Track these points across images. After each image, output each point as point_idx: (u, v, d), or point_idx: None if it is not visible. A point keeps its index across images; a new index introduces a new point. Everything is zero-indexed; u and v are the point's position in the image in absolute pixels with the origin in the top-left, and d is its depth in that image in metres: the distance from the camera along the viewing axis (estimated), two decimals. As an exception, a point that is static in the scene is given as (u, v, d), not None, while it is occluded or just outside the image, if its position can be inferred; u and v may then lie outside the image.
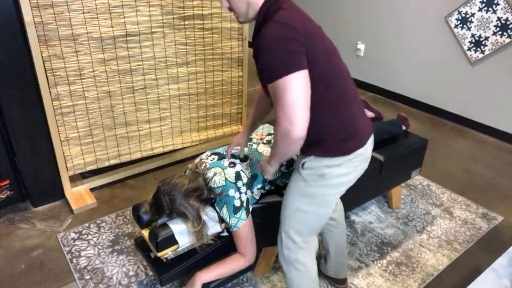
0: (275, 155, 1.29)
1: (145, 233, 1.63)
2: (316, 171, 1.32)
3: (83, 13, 2.10)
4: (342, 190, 1.40)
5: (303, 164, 1.34)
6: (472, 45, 3.36)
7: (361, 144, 1.33)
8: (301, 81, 1.10)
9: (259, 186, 1.72)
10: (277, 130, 1.16)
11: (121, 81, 2.36)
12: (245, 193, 1.65)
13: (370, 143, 1.39)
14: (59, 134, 2.26)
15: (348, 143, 1.30)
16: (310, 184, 1.35)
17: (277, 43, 1.10)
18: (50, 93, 2.14)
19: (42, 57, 2.05)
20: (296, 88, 1.09)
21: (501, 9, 3.12)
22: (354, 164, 1.34)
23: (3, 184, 2.24)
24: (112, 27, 2.21)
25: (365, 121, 1.38)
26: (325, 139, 1.28)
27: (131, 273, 1.93)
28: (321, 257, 1.91)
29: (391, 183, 2.28)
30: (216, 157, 1.72)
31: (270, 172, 1.40)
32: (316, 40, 1.19)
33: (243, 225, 1.63)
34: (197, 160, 1.78)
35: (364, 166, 1.41)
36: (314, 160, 1.31)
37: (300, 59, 1.11)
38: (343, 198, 1.95)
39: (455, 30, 3.43)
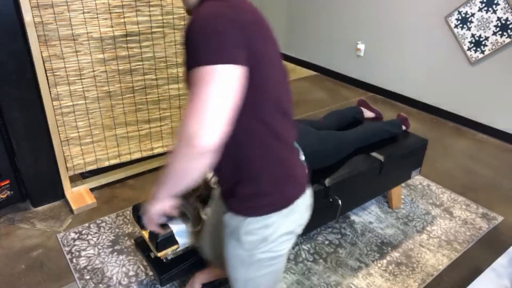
0: (165, 179, 0.88)
1: (145, 233, 1.63)
2: (256, 236, 1.02)
3: (83, 13, 2.10)
4: (293, 240, 1.12)
5: (239, 229, 1.03)
6: (472, 45, 3.36)
7: (302, 189, 1.06)
8: (233, 79, 0.81)
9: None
10: (178, 135, 0.81)
11: (121, 81, 2.36)
12: (245, 193, 1.65)
13: (309, 191, 1.13)
14: (59, 134, 2.26)
15: (287, 188, 1.02)
16: (253, 253, 1.05)
17: (214, 22, 0.82)
18: (50, 93, 2.14)
19: (42, 57, 2.05)
20: (223, 84, 0.79)
21: (501, 9, 3.12)
22: (295, 218, 1.06)
23: (3, 184, 2.24)
24: (112, 27, 2.21)
25: (303, 165, 1.10)
26: (258, 181, 0.98)
27: (131, 273, 1.93)
28: None
29: (391, 183, 2.28)
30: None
31: (153, 211, 0.98)
32: (266, 41, 0.91)
33: (243, 225, 1.62)
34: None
35: (307, 214, 1.13)
36: (252, 222, 1.01)
37: (238, 52, 0.82)
38: (343, 197, 1.95)
39: (455, 30, 3.43)
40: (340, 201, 1.91)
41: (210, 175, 1.66)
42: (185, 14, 1.31)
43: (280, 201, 1.01)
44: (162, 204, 0.97)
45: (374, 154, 2.13)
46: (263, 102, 0.92)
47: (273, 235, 1.03)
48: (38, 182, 2.33)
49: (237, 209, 1.02)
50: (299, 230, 1.11)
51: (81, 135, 2.35)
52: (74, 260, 2.00)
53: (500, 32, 3.17)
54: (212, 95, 0.78)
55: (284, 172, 1.01)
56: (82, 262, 1.99)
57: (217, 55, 0.79)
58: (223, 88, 0.79)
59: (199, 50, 0.80)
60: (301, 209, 1.07)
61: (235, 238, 1.05)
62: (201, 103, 0.78)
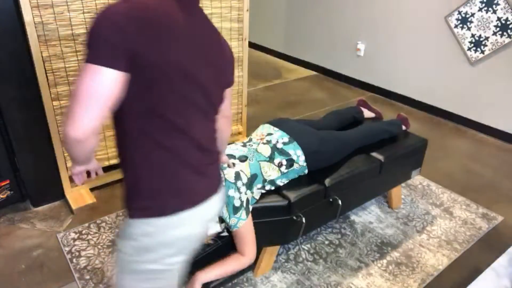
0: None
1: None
2: (137, 242, 1.02)
3: (83, 13, 2.10)
4: (182, 258, 1.09)
5: (124, 232, 1.04)
6: (472, 45, 3.36)
7: (188, 204, 1.03)
8: (106, 80, 0.85)
9: (259, 186, 1.72)
10: None
11: (121, 81, 2.36)
12: (245, 193, 1.65)
13: (209, 205, 1.08)
14: (59, 134, 2.26)
15: (167, 199, 1.01)
16: (136, 260, 1.04)
17: (106, 24, 0.85)
18: (50, 93, 2.14)
19: (42, 57, 2.05)
20: (95, 83, 0.84)
21: (501, 9, 3.12)
22: (178, 232, 1.03)
23: (3, 184, 2.24)
24: (112, 27, 2.21)
25: (200, 182, 1.06)
26: (139, 184, 1.01)
27: (131, 273, 1.93)
28: None
29: (391, 183, 2.28)
30: (216, 157, 1.72)
31: (73, 172, 1.17)
32: (166, 51, 0.91)
33: (243, 225, 1.63)
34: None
35: (200, 230, 1.08)
36: (134, 226, 1.01)
37: (117, 57, 0.86)
38: (343, 197, 1.95)
39: (455, 30, 3.43)
40: (340, 201, 1.91)
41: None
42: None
43: (157, 208, 1.00)
44: (79, 168, 1.17)
45: (374, 154, 2.13)
46: (146, 113, 0.94)
47: (154, 246, 1.02)
48: (38, 182, 2.33)
49: (124, 208, 1.04)
50: (187, 246, 1.07)
51: (81, 135, 2.36)
52: (74, 260, 2.00)
53: (500, 32, 3.17)
54: (82, 92, 0.84)
55: (167, 183, 1.01)
56: (82, 262, 1.99)
57: (96, 56, 0.84)
58: (93, 87, 0.84)
59: (86, 47, 0.86)
60: (183, 224, 1.03)
61: (121, 241, 1.06)
62: (73, 96, 0.85)
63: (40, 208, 2.38)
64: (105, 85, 0.85)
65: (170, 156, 0.99)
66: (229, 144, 1.90)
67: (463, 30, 3.38)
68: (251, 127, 3.17)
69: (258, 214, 1.71)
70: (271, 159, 1.77)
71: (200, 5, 1.11)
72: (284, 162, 1.78)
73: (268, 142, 1.84)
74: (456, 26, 3.42)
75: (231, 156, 1.74)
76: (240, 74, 2.87)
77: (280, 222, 1.77)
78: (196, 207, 1.04)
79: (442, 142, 3.30)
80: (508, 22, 3.11)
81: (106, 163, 2.52)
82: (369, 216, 2.38)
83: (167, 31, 0.91)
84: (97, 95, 0.85)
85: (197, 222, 1.07)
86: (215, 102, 1.10)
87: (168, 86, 0.93)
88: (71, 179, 2.36)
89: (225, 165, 1.67)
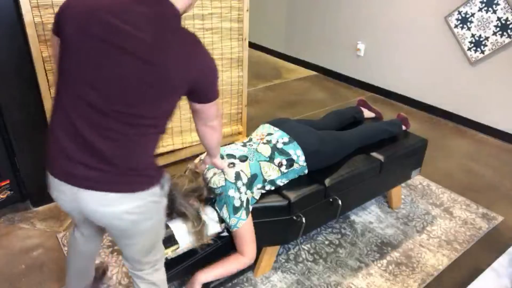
0: None
1: (145, 233, 1.63)
2: None
3: (83, 13, 2.09)
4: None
5: None
6: (472, 45, 3.36)
7: (49, 167, 1.19)
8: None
9: (259, 186, 1.73)
10: None
11: (121, 81, 2.36)
12: (245, 193, 1.65)
13: (75, 192, 1.15)
14: (59, 134, 2.26)
15: (46, 157, 1.21)
16: None
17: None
18: (50, 93, 2.14)
19: (42, 57, 2.05)
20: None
21: (501, 9, 3.12)
22: (52, 189, 1.22)
23: (3, 184, 2.24)
24: (112, 27, 2.20)
25: (71, 170, 1.13)
26: None
27: (131, 273, 1.93)
28: None
29: (391, 183, 2.28)
30: (216, 157, 1.72)
31: None
32: (78, 30, 1.07)
33: (243, 225, 1.63)
34: (197, 160, 1.78)
35: (54, 195, 1.24)
36: None
37: (53, 26, 1.18)
38: (343, 197, 1.95)
39: (455, 30, 3.43)
40: (340, 201, 1.91)
41: (210, 174, 1.66)
42: (181, 12, 1.40)
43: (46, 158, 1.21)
44: None
45: (374, 154, 2.13)
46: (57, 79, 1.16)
47: None
48: (38, 182, 2.32)
49: None
50: (62, 204, 1.25)
51: (81, 135, 2.36)
52: (74, 260, 2.00)
53: (500, 32, 3.17)
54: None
55: (48, 144, 1.19)
56: (82, 262, 1.99)
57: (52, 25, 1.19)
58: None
59: None
60: (51, 184, 1.21)
61: None
62: None
63: (40, 208, 2.38)
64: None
65: (53, 124, 1.16)
66: (229, 144, 1.90)
67: (463, 30, 3.38)
68: (251, 127, 3.17)
69: (258, 214, 1.71)
70: (271, 159, 1.77)
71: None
72: (284, 162, 1.78)
73: (268, 142, 1.84)
74: (456, 26, 3.42)
75: (231, 156, 1.74)
76: (240, 74, 2.87)
77: (280, 222, 1.77)
78: (54, 178, 1.18)
79: (442, 142, 3.30)
80: (508, 22, 3.11)
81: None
82: (369, 216, 2.38)
83: (91, 16, 1.07)
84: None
85: (59, 193, 1.21)
86: (131, 106, 1.09)
87: (72, 64, 1.10)
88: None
89: (225, 164, 1.67)
